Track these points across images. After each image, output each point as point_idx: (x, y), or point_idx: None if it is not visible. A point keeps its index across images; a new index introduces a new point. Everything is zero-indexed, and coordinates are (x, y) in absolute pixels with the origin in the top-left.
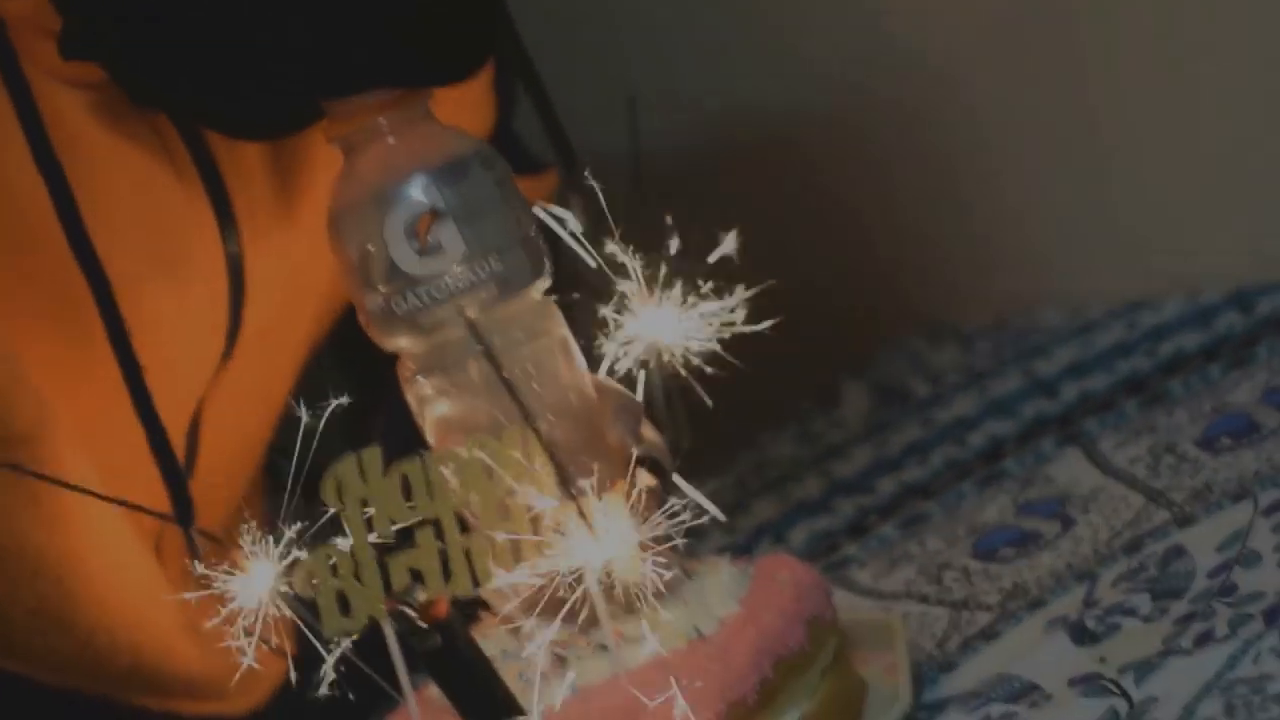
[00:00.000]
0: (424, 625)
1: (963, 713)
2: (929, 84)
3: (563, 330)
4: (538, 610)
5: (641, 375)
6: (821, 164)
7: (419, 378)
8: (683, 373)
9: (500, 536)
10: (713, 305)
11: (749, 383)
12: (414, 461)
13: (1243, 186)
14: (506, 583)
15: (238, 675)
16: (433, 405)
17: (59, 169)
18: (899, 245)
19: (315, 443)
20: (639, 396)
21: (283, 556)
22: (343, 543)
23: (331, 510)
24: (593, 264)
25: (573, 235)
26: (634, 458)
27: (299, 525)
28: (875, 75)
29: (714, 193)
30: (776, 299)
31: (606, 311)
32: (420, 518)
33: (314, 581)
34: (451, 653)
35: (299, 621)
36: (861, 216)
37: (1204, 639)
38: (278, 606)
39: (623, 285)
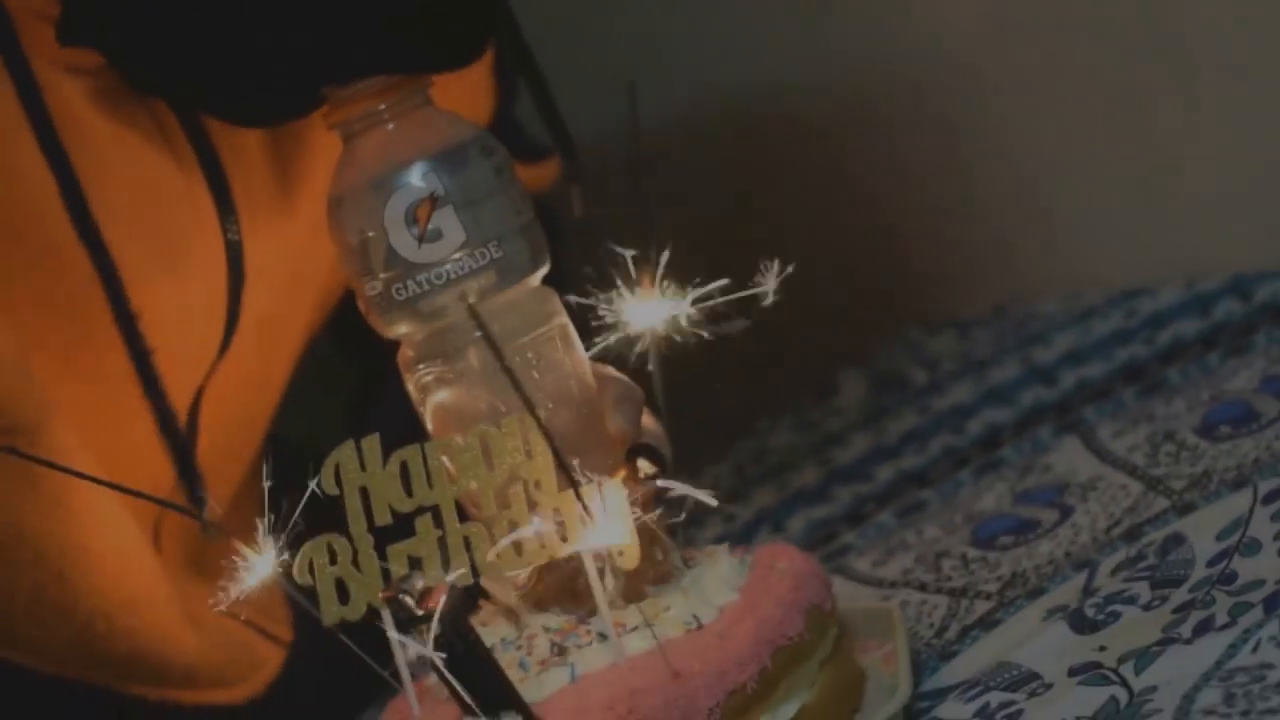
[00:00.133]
0: (422, 613)
1: (962, 701)
2: (928, 77)
3: (562, 318)
4: (537, 599)
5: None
6: (820, 155)
7: (419, 365)
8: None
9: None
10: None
11: (748, 371)
12: (413, 449)
13: (1241, 174)
14: (506, 572)
15: (235, 663)
16: (432, 393)
17: (64, 155)
18: (897, 234)
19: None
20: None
21: (283, 545)
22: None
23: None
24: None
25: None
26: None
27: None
28: (873, 68)
29: (711, 184)
30: (776, 289)
31: (602, 300)
32: (419, 506)
33: (312, 569)
34: (450, 642)
35: (298, 609)
36: (860, 206)
37: (1203, 627)
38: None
39: (618, 274)
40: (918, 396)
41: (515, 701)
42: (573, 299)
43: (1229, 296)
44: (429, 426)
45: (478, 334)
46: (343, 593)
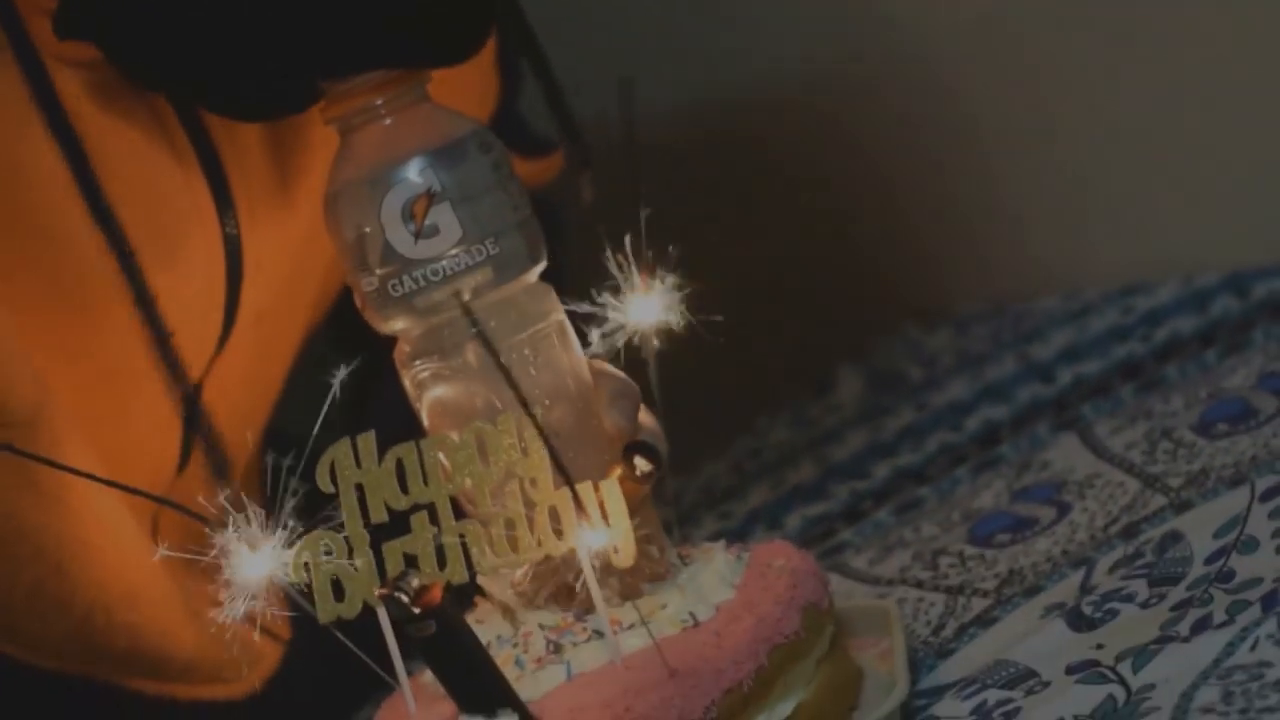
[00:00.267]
0: (418, 611)
1: (959, 699)
2: (923, 71)
3: (560, 315)
4: (533, 596)
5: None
6: (816, 151)
7: (415, 361)
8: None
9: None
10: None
11: (744, 368)
12: (409, 446)
13: (1238, 169)
14: (502, 570)
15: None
16: (429, 389)
17: (77, 142)
18: (894, 230)
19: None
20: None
21: (280, 540)
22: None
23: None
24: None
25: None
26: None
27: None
28: (869, 62)
29: (708, 179)
30: (771, 285)
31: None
32: (415, 503)
33: (308, 566)
34: (446, 639)
35: (294, 606)
36: (857, 201)
37: (1201, 625)
38: (275, 590)
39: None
40: (915, 393)
41: (511, 699)
42: (574, 306)
43: (1226, 293)
44: (425, 423)
45: (474, 330)
46: (338, 590)
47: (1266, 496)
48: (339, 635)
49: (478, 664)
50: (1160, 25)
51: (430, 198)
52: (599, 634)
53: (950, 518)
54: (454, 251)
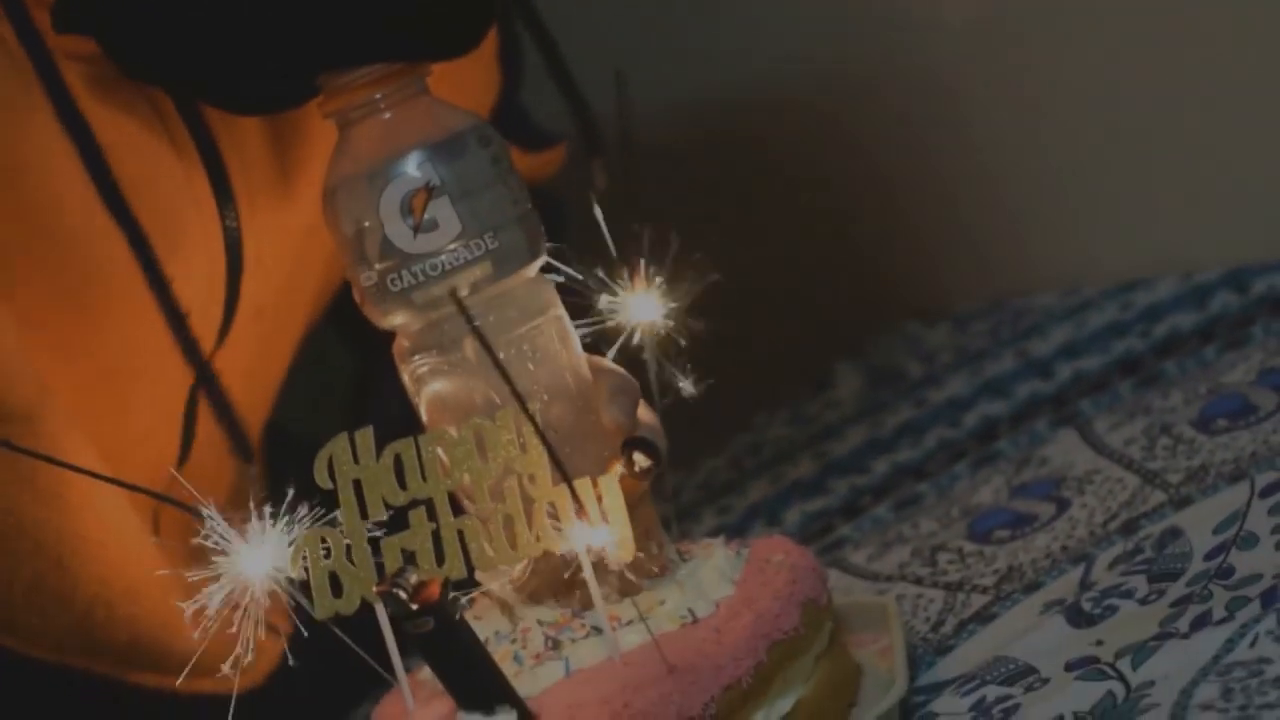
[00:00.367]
0: (416, 607)
1: (958, 696)
2: (922, 69)
3: (559, 310)
4: (531, 592)
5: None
6: (816, 149)
7: (414, 356)
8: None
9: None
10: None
11: (743, 363)
12: (407, 442)
13: (1238, 166)
14: (500, 565)
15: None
16: (428, 384)
17: (88, 130)
18: (893, 226)
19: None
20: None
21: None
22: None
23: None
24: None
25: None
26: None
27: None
28: (867, 59)
29: (708, 177)
30: (770, 282)
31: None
32: (413, 499)
33: (305, 562)
34: (444, 635)
35: (293, 602)
36: (856, 199)
37: (1201, 622)
38: (275, 586)
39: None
40: (914, 389)
41: (509, 695)
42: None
43: (1226, 289)
44: (424, 418)
45: (470, 326)
46: (336, 586)
47: (1266, 492)
48: (337, 631)
49: (476, 660)
50: (1159, 21)
51: (429, 192)
52: (597, 630)
53: (949, 514)
54: (453, 246)
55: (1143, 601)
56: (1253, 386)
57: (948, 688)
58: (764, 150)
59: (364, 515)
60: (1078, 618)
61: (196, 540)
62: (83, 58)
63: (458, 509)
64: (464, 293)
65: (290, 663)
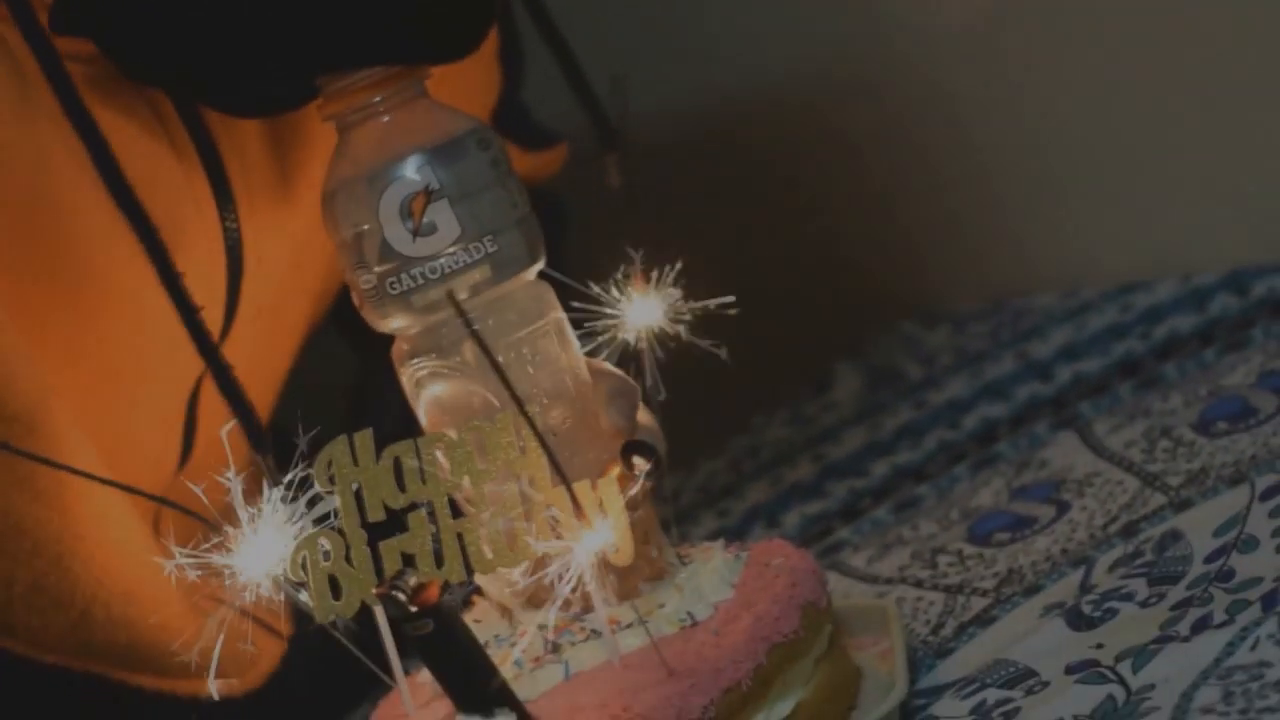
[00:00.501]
0: (416, 610)
1: (958, 699)
2: (920, 70)
3: (558, 313)
4: (531, 595)
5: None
6: (813, 149)
7: (413, 359)
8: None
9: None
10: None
11: (742, 365)
12: (407, 445)
13: (1237, 167)
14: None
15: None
16: (427, 387)
17: (95, 128)
18: (891, 227)
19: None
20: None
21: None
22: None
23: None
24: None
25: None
26: (627, 442)
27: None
28: (865, 59)
29: (707, 176)
30: (768, 283)
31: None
32: (413, 502)
33: (305, 564)
34: (443, 638)
35: (293, 604)
36: (855, 199)
37: (1201, 625)
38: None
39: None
40: (913, 391)
41: (508, 699)
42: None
43: (1226, 291)
44: (423, 421)
45: (468, 330)
46: (336, 589)
47: (1266, 495)
48: (336, 634)
49: (475, 663)
50: (1157, 22)
51: (428, 195)
52: (597, 633)
53: (949, 516)
54: (452, 249)
55: (1143, 604)
56: (1253, 389)
57: (948, 691)
58: (762, 152)
59: (363, 518)
60: (1078, 621)
61: (196, 543)
62: (81, 59)
63: (457, 512)
64: (463, 296)
65: (289, 665)
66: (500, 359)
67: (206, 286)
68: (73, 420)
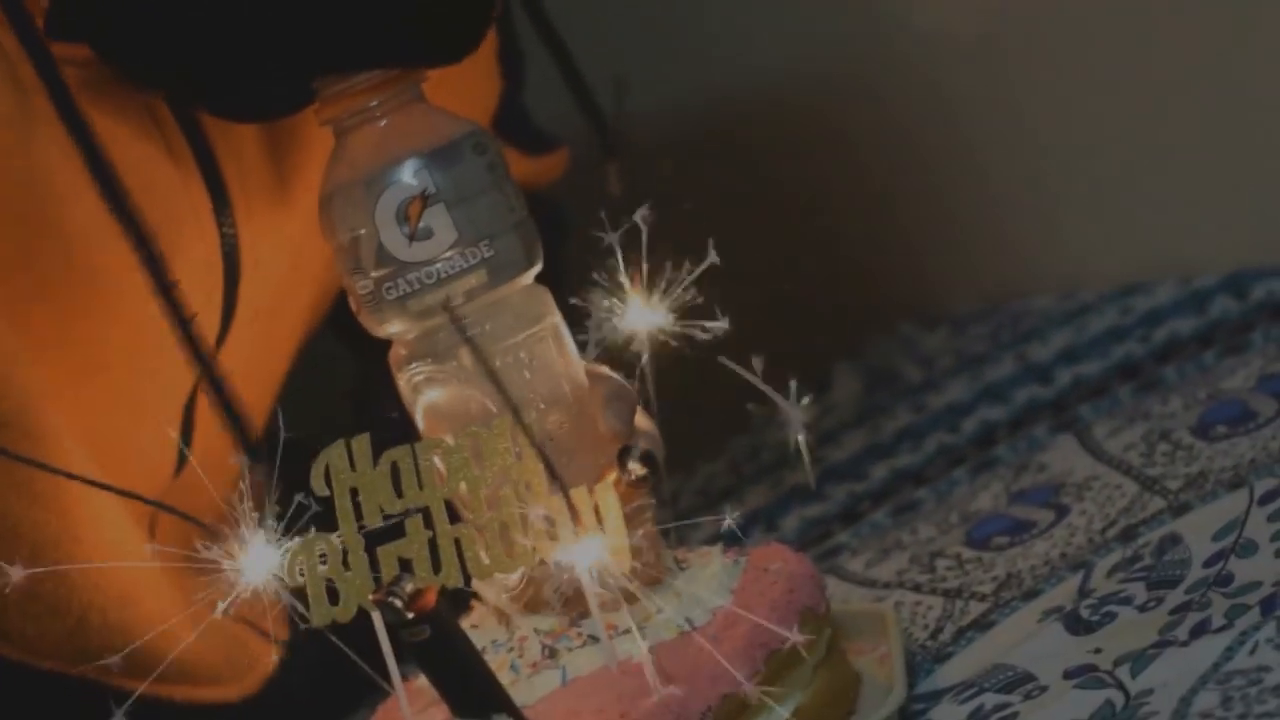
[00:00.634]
0: (413, 616)
1: (956, 704)
2: (919, 71)
3: (555, 317)
4: (528, 601)
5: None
6: (811, 150)
7: (410, 364)
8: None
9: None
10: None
11: (741, 366)
12: (404, 450)
13: (1237, 169)
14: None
15: (231, 660)
16: (424, 392)
17: (90, 134)
18: (890, 229)
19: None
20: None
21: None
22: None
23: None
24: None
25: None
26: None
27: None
28: (863, 61)
29: (704, 178)
30: (767, 284)
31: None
32: (410, 507)
33: (302, 570)
34: (441, 643)
35: (290, 609)
36: (854, 201)
37: (1200, 630)
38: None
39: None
40: (912, 394)
41: (506, 704)
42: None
43: (1225, 294)
44: (420, 426)
45: (463, 337)
46: (333, 594)
47: (1265, 499)
48: (333, 639)
49: (472, 669)
50: (1156, 24)
51: (424, 199)
52: (594, 639)
53: (948, 520)
54: (449, 254)
55: (1142, 609)
56: (1252, 393)
57: (946, 695)
58: (761, 153)
59: (361, 523)
60: (1076, 625)
61: (194, 548)
62: (77, 63)
63: (455, 517)
64: (459, 301)
65: (286, 671)
66: (497, 364)
67: (203, 290)
68: (68, 424)
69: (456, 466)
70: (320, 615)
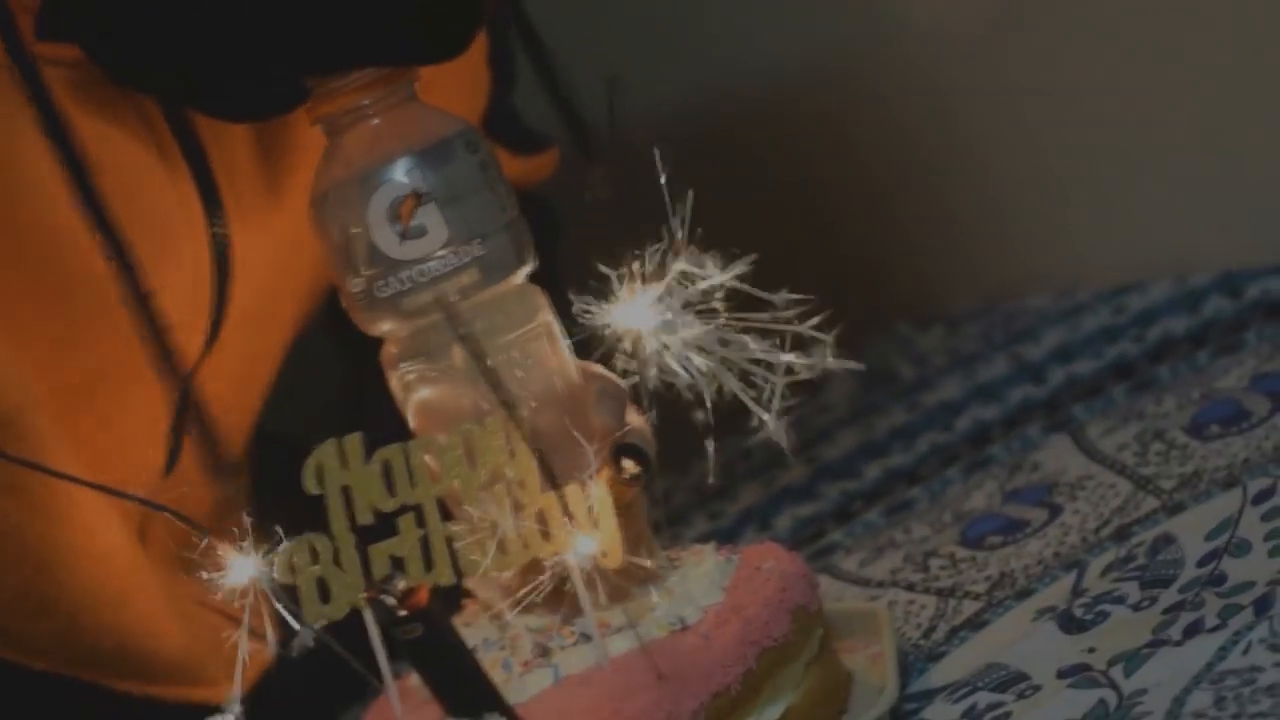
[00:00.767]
0: (405, 614)
1: (949, 703)
2: (913, 70)
3: (547, 315)
4: (520, 599)
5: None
6: (807, 148)
7: (402, 363)
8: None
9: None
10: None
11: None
12: (396, 448)
13: (1231, 168)
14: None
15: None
16: (416, 391)
17: (68, 138)
18: (885, 230)
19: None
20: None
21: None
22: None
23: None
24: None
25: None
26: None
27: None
28: (859, 59)
29: (696, 177)
30: (761, 282)
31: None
32: (402, 505)
33: (294, 568)
34: (433, 642)
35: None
36: (848, 201)
37: (1193, 629)
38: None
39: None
40: (906, 393)
41: (498, 703)
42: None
43: (1219, 293)
44: (412, 425)
45: (459, 334)
46: (324, 592)
47: (1259, 499)
48: (325, 638)
49: (465, 667)
50: (1151, 25)
51: (417, 198)
52: (587, 637)
53: (941, 519)
54: (441, 253)
55: (1135, 608)
56: (1246, 392)
57: (939, 695)
58: (756, 152)
59: (352, 521)
60: (1070, 624)
61: (185, 548)
62: (67, 63)
63: (447, 516)
64: (452, 300)
65: (278, 669)
66: (489, 362)
67: (193, 291)
68: (57, 426)
69: (449, 464)
70: (312, 613)
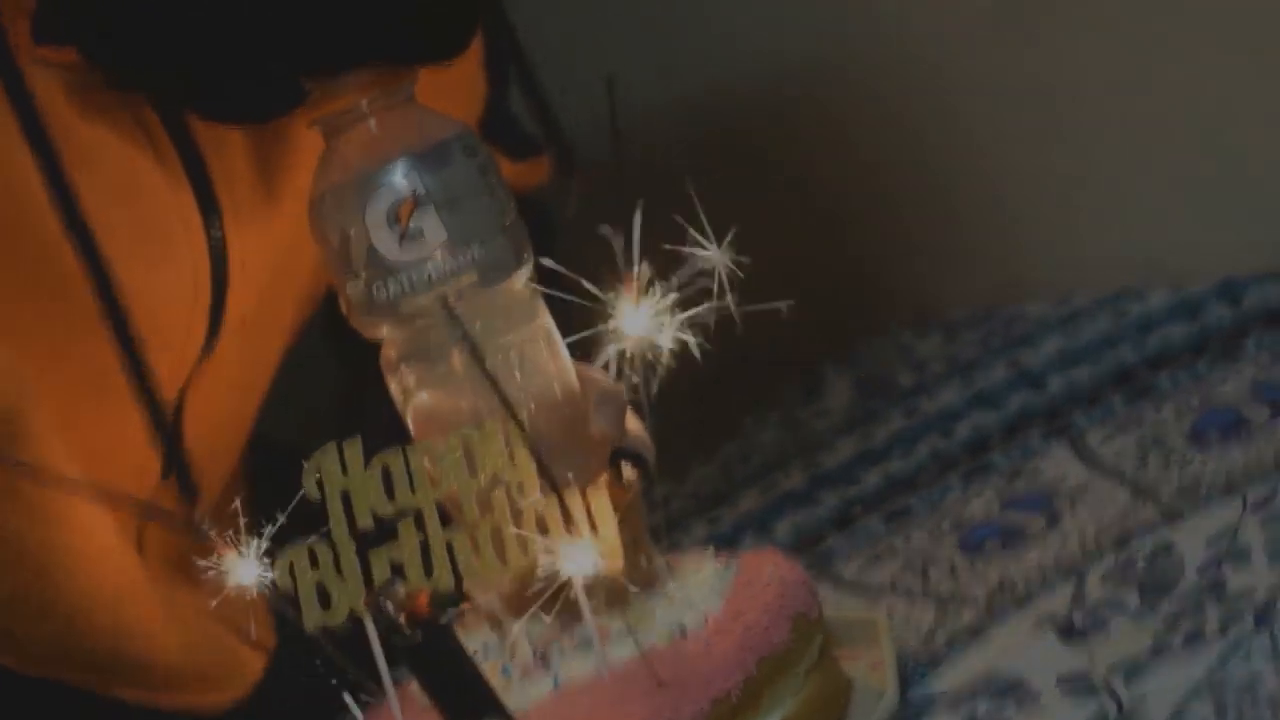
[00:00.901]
0: (405, 620)
1: (949, 711)
2: (912, 72)
3: (546, 319)
4: (520, 606)
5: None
6: (805, 152)
7: (400, 366)
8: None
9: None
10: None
11: (733, 372)
12: (395, 453)
13: (1231, 176)
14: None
15: (219, 666)
16: (415, 395)
17: (49, 144)
18: (883, 234)
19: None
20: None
21: (266, 547)
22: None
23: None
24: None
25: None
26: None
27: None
28: (858, 62)
29: (695, 180)
30: (760, 287)
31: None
32: (401, 510)
33: (294, 573)
34: (432, 648)
35: (280, 614)
36: (846, 205)
37: (1194, 638)
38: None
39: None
40: (905, 399)
41: (498, 709)
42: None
43: (1219, 301)
44: (411, 428)
45: (459, 334)
46: (324, 598)
47: (1258, 507)
48: (325, 644)
49: (464, 673)
50: (1153, 30)
51: (415, 201)
52: (586, 644)
53: (940, 526)
54: (438, 255)
55: (1135, 616)
56: (1245, 401)
57: (938, 702)
58: (756, 153)
59: (352, 526)
60: (1069, 632)
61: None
62: (64, 66)
63: (446, 520)
64: (450, 302)
65: (275, 677)
66: (488, 365)
67: (191, 295)
68: (53, 430)
69: (448, 469)
70: (312, 619)
